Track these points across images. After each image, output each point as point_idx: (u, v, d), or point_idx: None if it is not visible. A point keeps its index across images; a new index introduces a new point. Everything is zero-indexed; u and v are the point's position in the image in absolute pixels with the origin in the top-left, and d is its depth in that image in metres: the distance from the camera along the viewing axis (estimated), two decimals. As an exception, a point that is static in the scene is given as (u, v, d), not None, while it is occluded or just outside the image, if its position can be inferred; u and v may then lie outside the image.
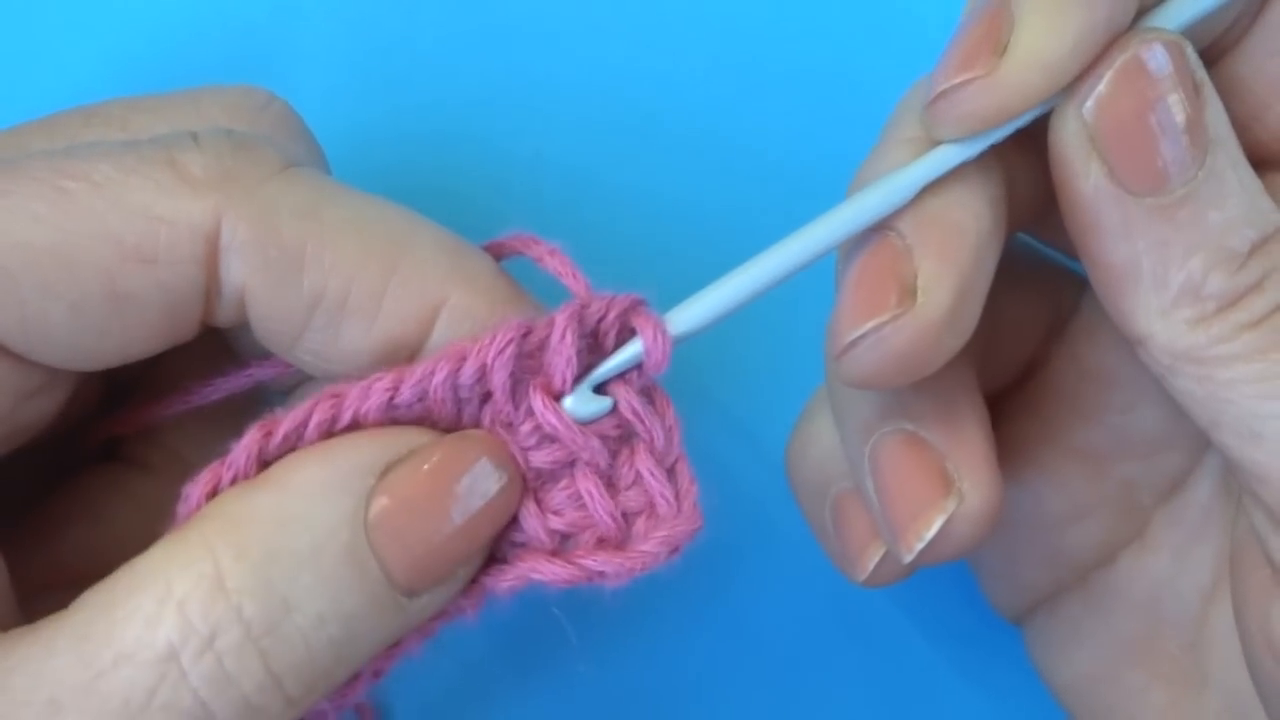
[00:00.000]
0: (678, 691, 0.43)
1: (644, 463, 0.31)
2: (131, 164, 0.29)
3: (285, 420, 0.29)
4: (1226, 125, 0.30)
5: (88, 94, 0.35)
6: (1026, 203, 0.33)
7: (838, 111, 0.45)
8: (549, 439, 0.31)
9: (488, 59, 0.46)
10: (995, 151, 0.31)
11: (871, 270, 0.30)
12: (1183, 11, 0.30)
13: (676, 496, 0.32)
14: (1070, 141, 0.30)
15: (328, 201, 0.30)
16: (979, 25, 0.30)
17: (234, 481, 0.29)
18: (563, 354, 0.30)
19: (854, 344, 0.30)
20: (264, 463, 0.30)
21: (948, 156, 0.30)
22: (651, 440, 0.31)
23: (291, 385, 0.36)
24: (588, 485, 0.31)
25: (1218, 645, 0.36)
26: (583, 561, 0.31)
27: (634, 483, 0.32)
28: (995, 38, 0.29)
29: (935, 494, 0.32)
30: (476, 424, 0.31)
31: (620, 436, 0.32)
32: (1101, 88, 0.29)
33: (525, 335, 0.30)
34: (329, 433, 0.30)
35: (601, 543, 0.31)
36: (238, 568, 0.27)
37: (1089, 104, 0.30)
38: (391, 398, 0.30)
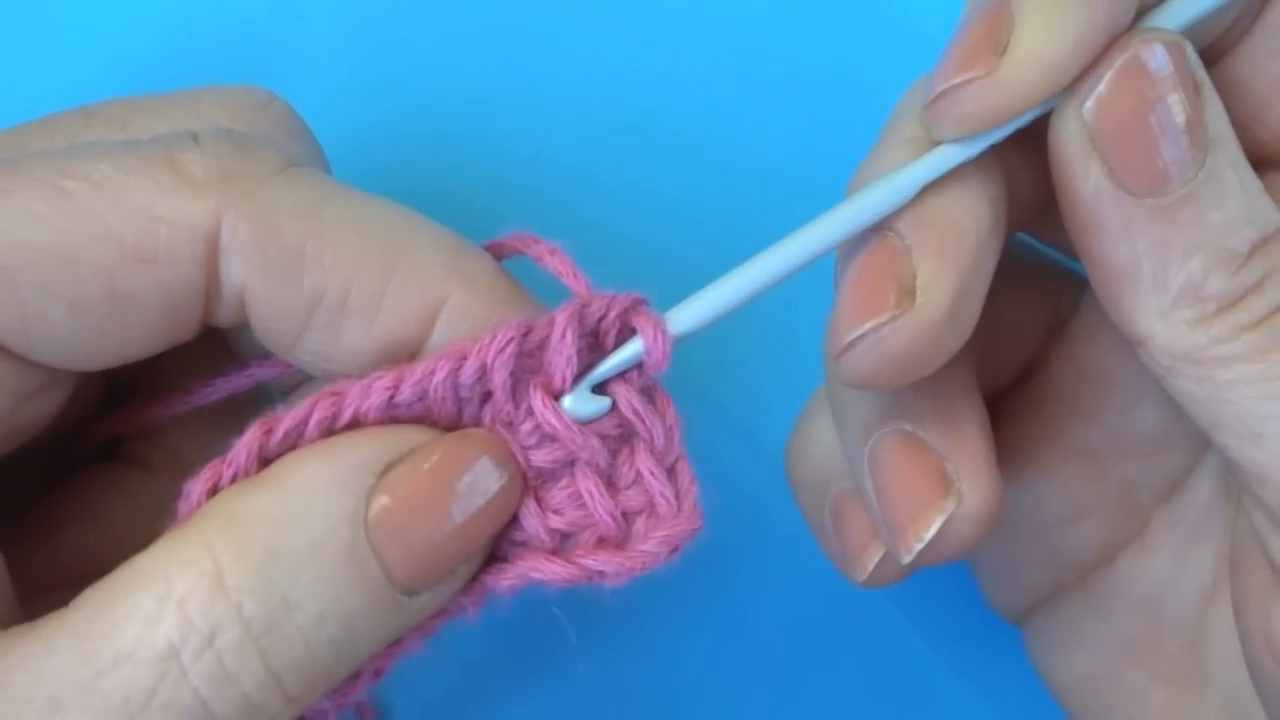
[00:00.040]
0: (678, 691, 0.43)
1: (644, 462, 0.31)
2: (132, 164, 0.29)
3: (286, 418, 0.29)
4: (1227, 125, 0.30)
5: (88, 94, 0.35)
6: (1026, 202, 0.33)
7: (838, 111, 0.45)
8: (549, 438, 0.31)
9: (488, 59, 0.46)
10: (995, 151, 0.31)
11: (870, 270, 0.30)
12: (1183, 11, 0.30)
13: (677, 496, 0.32)
14: (1070, 142, 0.30)
15: (328, 201, 0.30)
16: (979, 25, 0.30)
17: (234, 478, 0.29)
18: (563, 353, 0.30)
19: (853, 344, 0.30)
20: (264, 460, 0.30)
21: (947, 157, 0.30)
22: (652, 440, 0.31)
23: (292, 385, 0.36)
24: (588, 485, 0.31)
25: (1217, 645, 0.36)
26: (582, 561, 0.31)
27: (634, 482, 0.32)
28: (995, 38, 0.29)
29: (934, 494, 0.32)
30: (477, 423, 0.31)
31: (621, 436, 0.32)
32: (1102, 88, 0.29)
33: (525, 334, 0.30)
34: (329, 431, 0.30)
35: (602, 542, 0.31)
36: (238, 566, 0.27)
37: (1089, 104, 0.30)
38: (392, 396, 0.30)
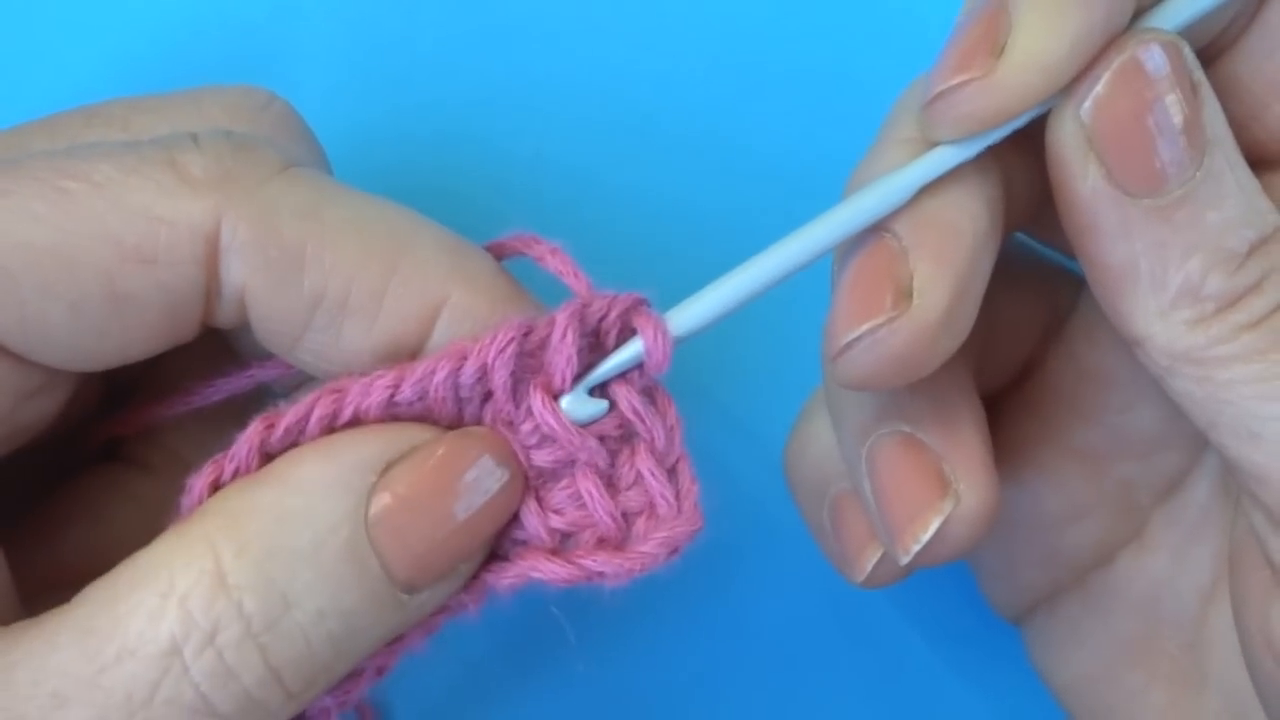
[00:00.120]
0: (678, 691, 0.43)
1: (645, 462, 0.31)
2: (132, 164, 0.30)
3: (287, 414, 0.30)
4: (1224, 125, 0.30)
5: (89, 94, 0.35)
6: (1024, 203, 0.33)
7: (838, 111, 0.45)
8: (549, 438, 0.31)
9: (488, 59, 0.46)
10: (992, 151, 0.31)
11: (867, 272, 0.30)
12: (1180, 12, 0.30)
13: (677, 496, 0.32)
14: (1068, 142, 0.30)
15: (328, 201, 0.30)
16: (976, 26, 0.30)
17: (236, 473, 0.29)
18: (563, 353, 0.30)
19: (850, 346, 0.30)
20: (266, 456, 0.30)
21: (945, 158, 0.30)
22: (652, 440, 0.31)
23: (293, 386, 0.36)
24: (587, 485, 0.31)
25: (1217, 645, 0.36)
26: (582, 561, 0.31)
27: (635, 482, 0.32)
28: (993, 39, 0.29)
29: (932, 495, 0.32)
30: (478, 423, 0.31)
31: (622, 436, 0.32)
32: (1099, 89, 0.29)
33: (526, 334, 0.30)
34: (330, 428, 0.30)
35: (602, 542, 0.31)
36: (238, 564, 0.27)
37: (1087, 105, 0.30)
38: (393, 395, 0.30)
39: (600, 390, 0.31)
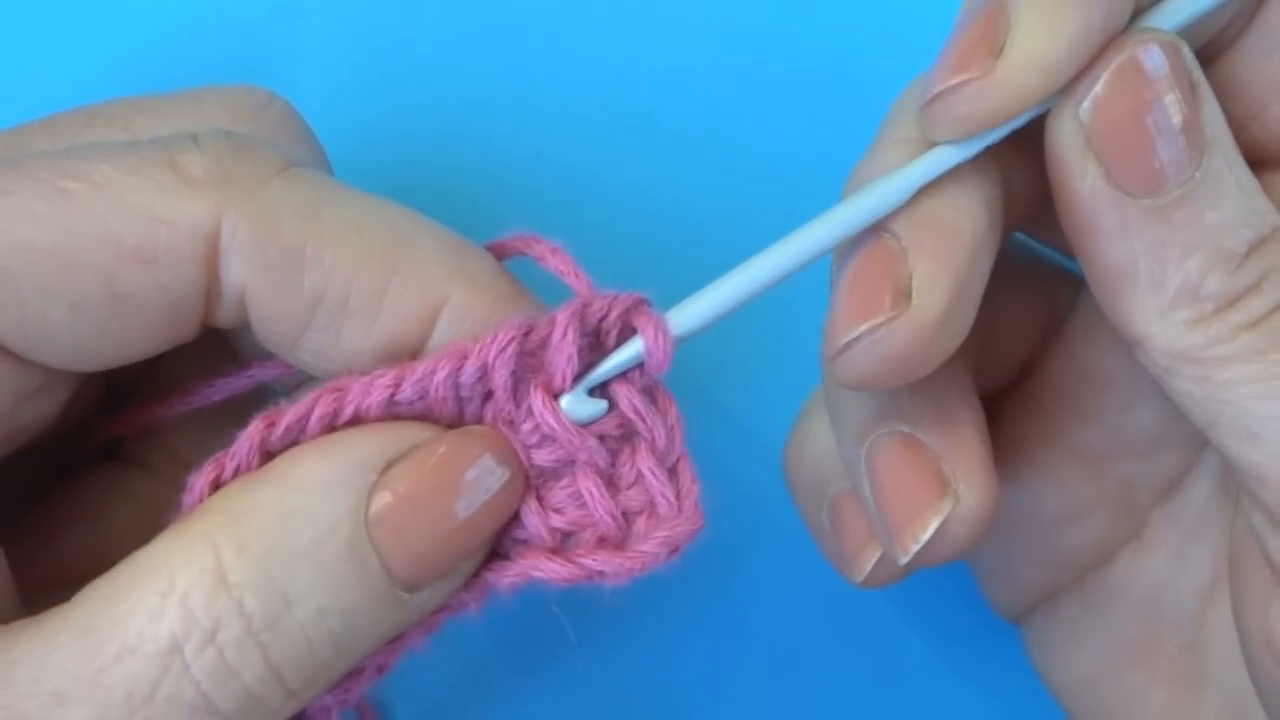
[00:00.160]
0: (678, 691, 0.43)
1: (645, 462, 0.31)
2: (132, 165, 0.30)
3: (288, 412, 0.30)
4: (1223, 125, 0.30)
5: (89, 94, 0.35)
6: (1022, 203, 0.33)
7: (838, 111, 0.45)
8: (550, 438, 0.31)
9: (488, 59, 0.46)
10: (991, 151, 0.31)
11: (866, 272, 0.30)
12: (1179, 12, 0.30)
13: (677, 496, 0.32)
14: (1067, 143, 0.30)
15: (328, 201, 0.30)
16: (975, 26, 0.30)
17: (236, 471, 0.29)
18: (564, 353, 0.30)
19: (849, 346, 0.30)
20: (266, 454, 0.30)
21: (944, 158, 0.30)
22: (653, 439, 0.31)
23: (293, 386, 0.36)
24: (588, 484, 0.31)
25: (1216, 645, 0.36)
26: (583, 561, 0.31)
27: (635, 482, 0.32)
28: (991, 39, 0.29)
29: (931, 496, 0.32)
30: (478, 422, 0.31)
31: (622, 435, 0.32)
32: (1098, 89, 0.29)
33: (527, 334, 0.30)
34: (331, 427, 0.30)
35: (602, 542, 0.32)
36: (239, 562, 0.27)
37: (1085, 105, 0.30)
38: (393, 394, 0.30)
39: (601, 390, 0.31)
